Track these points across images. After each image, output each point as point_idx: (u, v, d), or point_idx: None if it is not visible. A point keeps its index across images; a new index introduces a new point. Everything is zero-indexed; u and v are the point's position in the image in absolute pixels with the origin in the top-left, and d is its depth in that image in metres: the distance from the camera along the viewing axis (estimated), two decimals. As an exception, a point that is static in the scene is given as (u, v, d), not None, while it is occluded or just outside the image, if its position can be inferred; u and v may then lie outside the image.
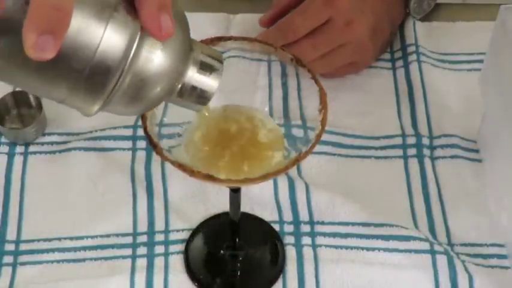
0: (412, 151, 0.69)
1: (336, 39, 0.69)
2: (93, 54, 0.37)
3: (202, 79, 0.43)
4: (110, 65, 0.37)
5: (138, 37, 0.38)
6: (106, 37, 0.37)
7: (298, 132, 0.51)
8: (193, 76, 0.42)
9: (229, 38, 0.50)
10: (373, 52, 0.73)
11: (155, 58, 0.39)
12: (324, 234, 0.64)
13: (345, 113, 0.72)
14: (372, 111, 0.73)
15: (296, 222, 0.64)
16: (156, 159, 0.68)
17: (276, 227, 0.64)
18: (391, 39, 0.77)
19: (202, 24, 0.77)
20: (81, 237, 0.63)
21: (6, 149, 0.68)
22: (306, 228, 0.64)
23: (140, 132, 0.69)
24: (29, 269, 0.61)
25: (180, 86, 0.42)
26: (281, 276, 0.61)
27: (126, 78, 0.38)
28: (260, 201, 0.65)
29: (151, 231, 0.64)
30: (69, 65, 0.37)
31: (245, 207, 0.64)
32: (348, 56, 0.71)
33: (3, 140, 0.69)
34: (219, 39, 0.50)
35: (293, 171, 0.67)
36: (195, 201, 0.66)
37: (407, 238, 0.63)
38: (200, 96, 0.43)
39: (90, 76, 0.37)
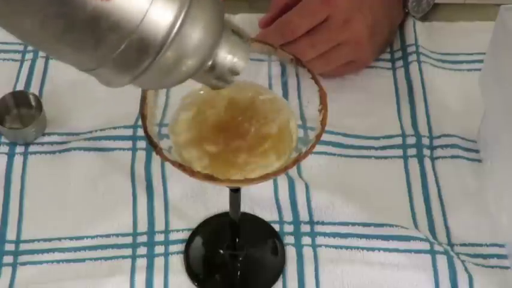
0: (412, 151, 0.69)
1: (334, 38, 0.69)
2: (135, 27, 0.36)
3: (232, 57, 0.42)
4: (151, 40, 0.37)
5: (184, 12, 0.37)
6: (152, 10, 0.36)
7: (298, 132, 0.51)
8: (224, 54, 0.42)
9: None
10: (371, 51, 0.73)
11: (194, 34, 0.38)
12: (324, 234, 0.64)
13: (345, 113, 0.72)
14: (372, 111, 0.73)
15: (296, 222, 0.64)
16: (156, 159, 0.68)
17: (276, 227, 0.64)
18: (391, 38, 0.77)
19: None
20: (81, 237, 0.63)
21: (6, 149, 0.68)
22: (306, 228, 0.64)
23: (140, 132, 0.69)
24: (29, 269, 0.61)
25: (210, 62, 0.42)
26: (281, 276, 0.61)
27: (165, 54, 0.38)
28: (260, 201, 0.65)
29: (151, 231, 0.64)
30: (111, 30, 0.36)
31: (245, 207, 0.64)
32: (346, 55, 0.71)
33: (3, 140, 0.69)
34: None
35: (293, 171, 0.67)
36: (195, 201, 0.66)
37: (407, 238, 0.63)
38: (226, 75, 0.43)
39: (128, 48, 0.37)
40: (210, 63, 0.42)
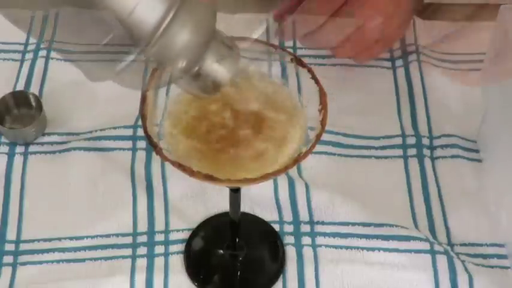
0: (412, 151, 0.69)
1: (358, 18, 0.67)
2: (122, 21, 0.36)
3: (219, 67, 0.42)
4: (135, 36, 0.37)
5: (173, 13, 0.37)
6: (140, 7, 0.36)
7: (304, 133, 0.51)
8: (211, 61, 0.42)
9: (229, 38, 0.50)
10: (399, 25, 0.71)
11: (181, 36, 0.38)
12: (324, 234, 0.64)
13: (345, 113, 0.72)
14: (372, 111, 0.73)
15: (296, 222, 0.64)
16: (156, 159, 0.68)
17: (276, 227, 0.64)
18: (416, 7, 0.75)
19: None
20: (81, 237, 0.63)
21: (6, 149, 0.68)
22: (306, 228, 0.64)
23: (140, 132, 0.69)
24: (29, 269, 0.61)
25: (196, 68, 0.41)
26: (281, 276, 0.61)
27: (149, 52, 0.38)
28: (260, 201, 0.65)
29: (151, 231, 0.64)
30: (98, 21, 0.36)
31: (245, 207, 0.65)
32: (374, 33, 0.69)
33: (3, 140, 0.69)
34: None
35: (293, 171, 0.67)
36: (195, 201, 0.66)
37: (407, 238, 0.63)
38: (211, 84, 0.42)
39: (113, 41, 0.37)
40: (195, 69, 0.41)
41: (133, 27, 0.36)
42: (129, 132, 0.69)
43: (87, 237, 0.63)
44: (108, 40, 0.37)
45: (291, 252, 0.62)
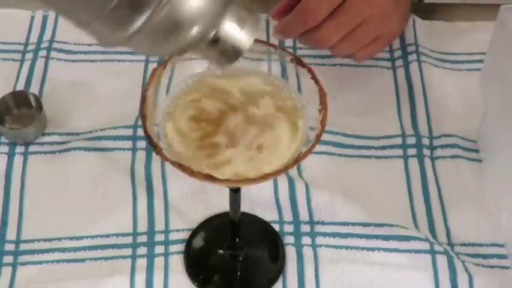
0: (412, 151, 0.69)
1: (357, 15, 0.66)
2: None
3: (237, 32, 0.40)
4: None
5: None
6: None
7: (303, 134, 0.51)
8: (229, 26, 0.39)
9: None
10: (398, 21, 0.71)
11: None
12: (324, 234, 0.64)
13: (345, 113, 0.72)
14: (372, 111, 0.73)
15: (296, 222, 0.64)
16: (156, 159, 0.68)
17: (276, 227, 0.64)
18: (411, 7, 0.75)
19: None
20: (81, 237, 0.63)
21: (6, 149, 0.68)
22: (306, 228, 0.64)
23: (140, 132, 0.69)
24: (29, 269, 0.61)
25: (213, 33, 0.39)
26: (281, 276, 0.61)
27: (159, 14, 0.36)
28: (260, 201, 0.65)
29: (151, 231, 0.64)
30: None
31: (245, 207, 0.65)
32: (373, 30, 0.68)
33: (3, 140, 0.69)
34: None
35: (293, 171, 0.67)
36: (195, 201, 0.66)
37: (407, 238, 0.63)
38: (230, 50, 0.40)
39: (122, 4, 0.35)
40: (212, 34, 0.39)
41: None
42: (129, 132, 0.69)
43: (87, 237, 0.63)
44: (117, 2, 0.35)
45: (291, 252, 0.62)
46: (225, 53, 0.41)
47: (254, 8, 0.41)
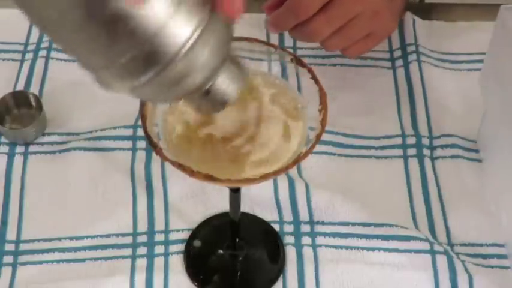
0: (412, 151, 0.69)
1: (350, 10, 0.66)
2: (151, 37, 0.36)
3: (229, 84, 0.43)
4: (160, 54, 0.37)
5: (199, 32, 0.37)
6: (170, 25, 0.36)
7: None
8: (222, 80, 0.42)
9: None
10: (390, 18, 0.70)
11: (203, 54, 0.38)
12: (324, 234, 0.64)
13: (345, 113, 0.72)
14: (372, 111, 0.73)
15: (296, 222, 0.64)
16: (156, 159, 0.68)
17: (276, 227, 0.64)
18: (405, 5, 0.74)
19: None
20: (81, 237, 0.63)
21: (6, 149, 0.68)
22: (306, 228, 0.64)
23: (140, 132, 0.69)
24: (29, 269, 0.61)
25: (210, 85, 0.42)
26: (281, 276, 0.61)
27: (171, 70, 0.38)
28: (260, 201, 0.65)
29: (151, 231, 0.64)
30: (127, 35, 0.36)
31: (245, 207, 0.65)
32: (365, 26, 0.68)
33: (3, 140, 0.69)
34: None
35: (293, 171, 0.67)
36: (195, 201, 0.66)
37: (407, 238, 0.63)
38: (219, 101, 0.43)
39: (138, 57, 0.37)
40: (207, 87, 0.42)
41: (157, 46, 0.37)
42: (129, 132, 0.69)
43: (87, 237, 0.63)
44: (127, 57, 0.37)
45: (291, 252, 0.62)
46: (214, 103, 0.43)
47: (243, 63, 0.44)
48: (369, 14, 0.67)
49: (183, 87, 0.40)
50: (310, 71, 0.49)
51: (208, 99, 0.43)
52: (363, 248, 0.63)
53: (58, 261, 0.62)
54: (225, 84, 0.42)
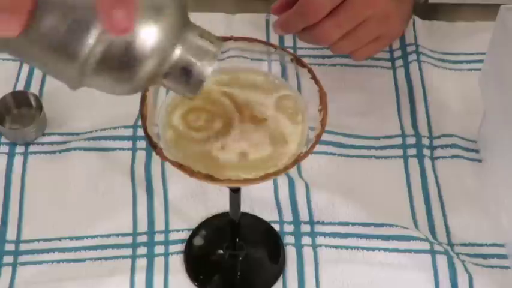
0: (412, 151, 0.69)
1: (359, 14, 0.66)
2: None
3: (194, 63, 0.41)
4: (82, 28, 0.38)
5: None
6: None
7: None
8: (184, 58, 0.41)
9: (229, 38, 0.50)
10: (399, 22, 0.71)
11: (139, 31, 0.38)
12: (324, 234, 0.64)
13: (345, 113, 0.72)
14: (372, 111, 0.73)
15: (296, 222, 0.64)
16: (156, 159, 0.68)
17: (276, 227, 0.64)
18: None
19: (202, 24, 0.76)
20: (81, 237, 0.63)
21: (6, 149, 0.68)
22: (306, 228, 0.64)
23: (140, 132, 0.69)
24: (29, 269, 0.61)
25: (168, 66, 0.41)
26: (281, 276, 0.61)
27: (99, 45, 0.38)
28: (260, 201, 0.65)
29: (151, 231, 0.64)
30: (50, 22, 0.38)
31: (245, 207, 0.64)
32: (374, 30, 0.68)
33: (3, 140, 0.69)
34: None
35: (293, 171, 0.67)
36: (195, 201, 0.66)
37: (407, 238, 0.63)
38: (189, 81, 0.42)
39: (67, 33, 0.38)
40: (167, 67, 0.41)
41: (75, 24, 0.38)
42: (129, 132, 0.69)
43: (87, 237, 0.63)
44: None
45: (291, 252, 0.62)
46: (184, 84, 0.42)
47: (214, 37, 0.42)
48: (378, 18, 0.67)
49: (132, 70, 0.39)
50: (310, 71, 0.49)
51: (174, 82, 0.42)
52: (363, 248, 0.63)
53: (58, 261, 0.62)
54: (188, 63, 0.41)
